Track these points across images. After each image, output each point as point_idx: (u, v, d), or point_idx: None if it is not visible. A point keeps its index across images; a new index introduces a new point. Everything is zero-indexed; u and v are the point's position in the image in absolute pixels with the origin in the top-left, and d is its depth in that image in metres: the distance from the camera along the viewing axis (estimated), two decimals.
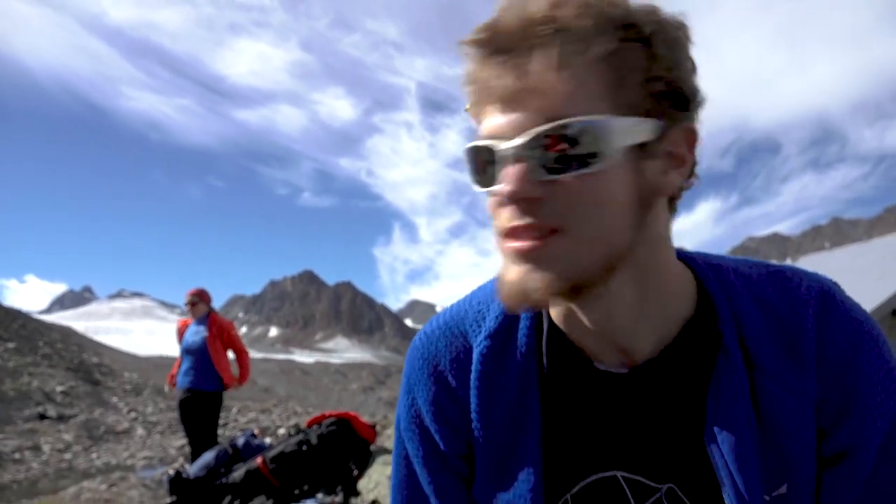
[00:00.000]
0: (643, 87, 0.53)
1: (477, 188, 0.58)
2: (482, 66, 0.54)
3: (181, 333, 5.73)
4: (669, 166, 0.57)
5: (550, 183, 0.52)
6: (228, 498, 4.45)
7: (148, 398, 15.97)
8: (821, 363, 0.61)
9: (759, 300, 0.64)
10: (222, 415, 6.20)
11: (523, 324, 0.68)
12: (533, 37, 0.51)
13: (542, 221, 0.53)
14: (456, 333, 0.71)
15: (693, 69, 0.57)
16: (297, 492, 4.45)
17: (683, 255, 0.69)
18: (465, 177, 0.60)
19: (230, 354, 5.74)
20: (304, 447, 4.57)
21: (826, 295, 0.64)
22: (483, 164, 0.56)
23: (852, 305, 0.65)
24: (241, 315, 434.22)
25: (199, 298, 5.69)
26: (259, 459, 4.55)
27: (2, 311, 22.16)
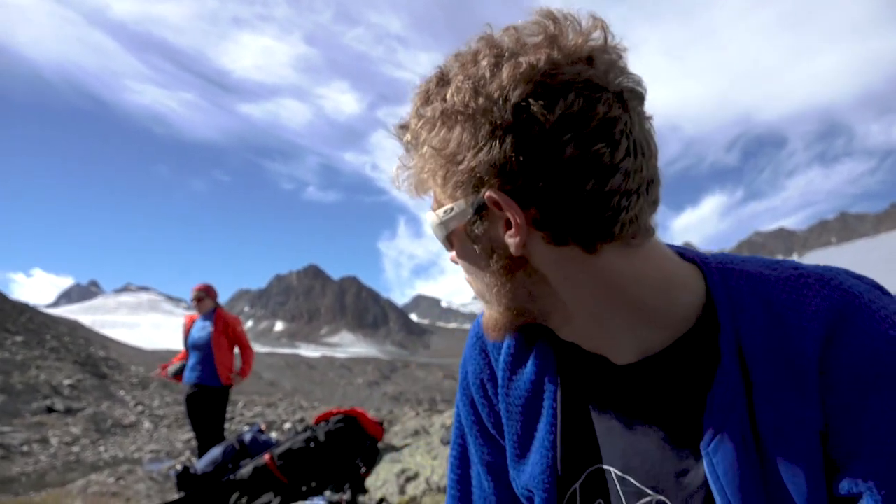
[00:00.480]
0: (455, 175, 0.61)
1: None
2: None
3: (187, 329, 5.75)
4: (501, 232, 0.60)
5: None
6: (236, 494, 4.45)
7: (154, 392, 16.06)
8: (828, 391, 0.54)
9: (767, 304, 0.58)
10: (228, 409, 6.22)
11: None
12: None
13: None
14: None
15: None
16: (304, 489, 4.44)
17: (698, 259, 0.64)
18: None
19: (235, 350, 5.76)
20: (312, 444, 4.57)
21: (846, 309, 0.54)
22: None
23: (885, 329, 0.53)
24: (246, 309, 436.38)
25: (206, 294, 5.71)
26: (267, 456, 4.55)
27: (9, 304, 22.35)
